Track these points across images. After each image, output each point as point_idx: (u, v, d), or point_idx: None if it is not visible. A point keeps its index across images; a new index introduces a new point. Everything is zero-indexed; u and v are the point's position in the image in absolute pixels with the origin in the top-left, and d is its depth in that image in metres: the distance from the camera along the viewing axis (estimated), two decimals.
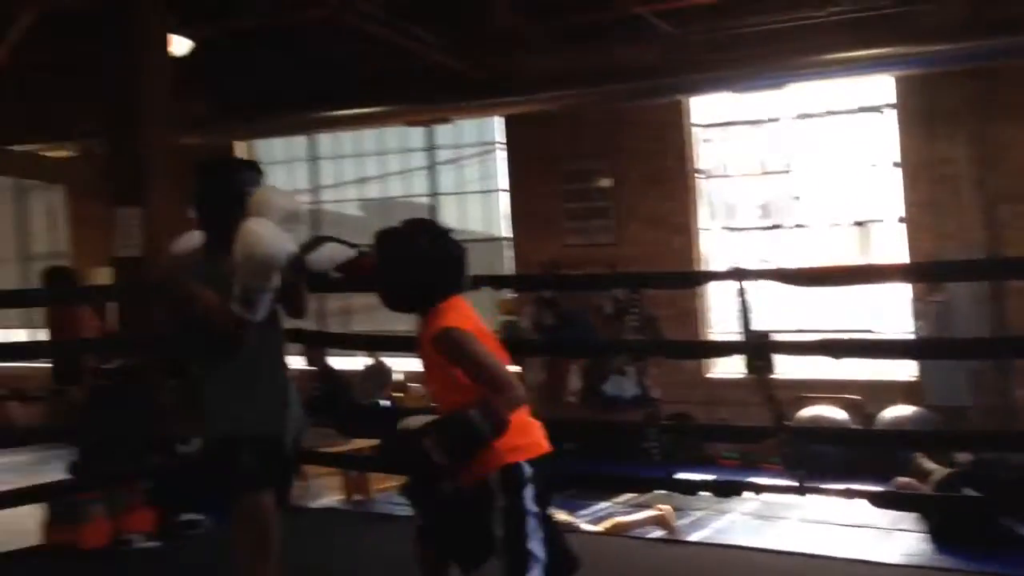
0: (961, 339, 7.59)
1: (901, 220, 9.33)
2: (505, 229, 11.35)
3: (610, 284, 9.13)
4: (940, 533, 6.28)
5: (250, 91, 11.15)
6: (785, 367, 8.41)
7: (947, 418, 8.36)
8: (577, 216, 10.64)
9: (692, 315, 9.97)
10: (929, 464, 6.81)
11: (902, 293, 9.14)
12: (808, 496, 5.22)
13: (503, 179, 11.33)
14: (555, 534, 3.10)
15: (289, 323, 4.11)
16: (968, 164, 8.88)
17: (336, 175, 12.64)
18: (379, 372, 9.85)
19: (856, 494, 5.07)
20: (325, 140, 12.53)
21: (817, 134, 9.88)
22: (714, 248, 10.25)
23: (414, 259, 3.14)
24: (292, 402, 3.91)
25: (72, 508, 5.67)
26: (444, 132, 11.65)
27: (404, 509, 2.97)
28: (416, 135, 11.79)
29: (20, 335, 13.73)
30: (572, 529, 6.29)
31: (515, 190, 11.16)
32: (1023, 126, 8.67)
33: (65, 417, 8.20)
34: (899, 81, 9.18)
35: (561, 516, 6.43)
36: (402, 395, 10.16)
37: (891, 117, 9.38)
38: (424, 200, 11.93)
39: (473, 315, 3.20)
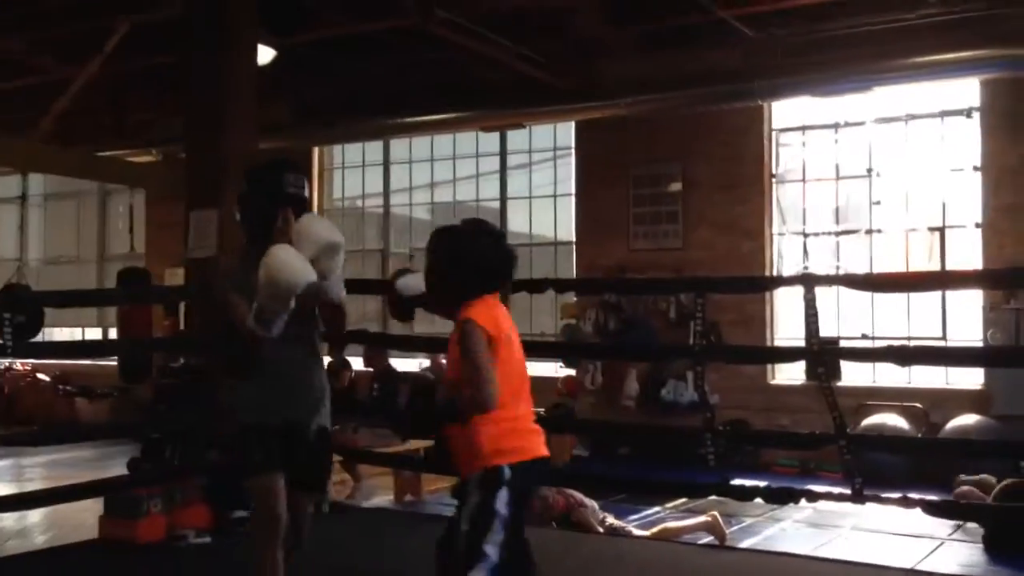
0: None
1: (978, 225, 9.15)
2: (572, 233, 11.37)
3: (673, 288, 9.06)
4: (995, 543, 6.13)
5: (330, 97, 11.33)
6: (853, 374, 8.28)
7: (1014, 428, 8.15)
8: (644, 220, 10.60)
9: (757, 320, 9.87)
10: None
11: (975, 301, 8.94)
12: (865, 505, 5.15)
13: (573, 183, 11.33)
14: (518, 540, 3.12)
15: (349, 324, 4.22)
16: None
17: (408, 179, 12.75)
18: (437, 372, 9.89)
19: (913, 503, 4.99)
20: (398, 145, 12.63)
21: (898, 138, 9.70)
22: (785, 253, 10.12)
23: (473, 255, 3.17)
24: (308, 393, 3.92)
25: (129, 503, 5.78)
26: (516, 137, 11.69)
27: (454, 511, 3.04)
28: (490, 140, 11.82)
29: (95, 334, 14.14)
30: (622, 533, 6.28)
31: (582, 194, 11.16)
32: None
33: (130, 414, 8.39)
34: (985, 84, 8.99)
35: (611, 520, 6.46)
36: None
37: (975, 121, 9.21)
38: (493, 204, 12.00)
39: (500, 315, 3.20)
